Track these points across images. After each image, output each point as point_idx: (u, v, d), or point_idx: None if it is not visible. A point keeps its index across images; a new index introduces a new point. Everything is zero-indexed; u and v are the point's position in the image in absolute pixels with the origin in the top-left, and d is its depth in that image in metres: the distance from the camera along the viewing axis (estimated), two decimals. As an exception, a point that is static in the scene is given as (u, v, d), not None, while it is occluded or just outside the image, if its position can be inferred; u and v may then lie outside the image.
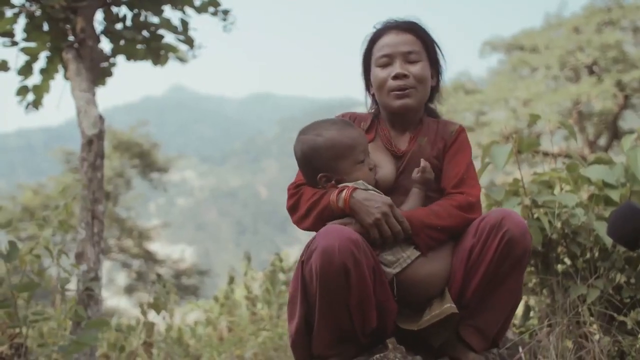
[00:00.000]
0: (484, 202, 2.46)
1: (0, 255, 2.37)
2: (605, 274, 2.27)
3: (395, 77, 1.82)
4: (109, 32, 3.95)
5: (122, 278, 20.10)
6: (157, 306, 3.26)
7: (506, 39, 16.85)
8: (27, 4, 3.72)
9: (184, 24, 4.08)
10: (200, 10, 4.08)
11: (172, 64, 4.36)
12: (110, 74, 4.12)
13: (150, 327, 3.29)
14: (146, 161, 19.15)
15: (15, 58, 3.82)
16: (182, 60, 4.34)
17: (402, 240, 1.70)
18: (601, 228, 2.15)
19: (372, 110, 2.01)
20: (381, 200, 1.68)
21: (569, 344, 2.16)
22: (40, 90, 3.94)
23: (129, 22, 3.99)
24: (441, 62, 1.93)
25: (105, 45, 4.96)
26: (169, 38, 4.23)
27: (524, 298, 2.50)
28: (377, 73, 1.87)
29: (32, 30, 3.77)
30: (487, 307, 1.72)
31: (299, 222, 1.80)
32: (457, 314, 1.66)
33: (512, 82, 15.73)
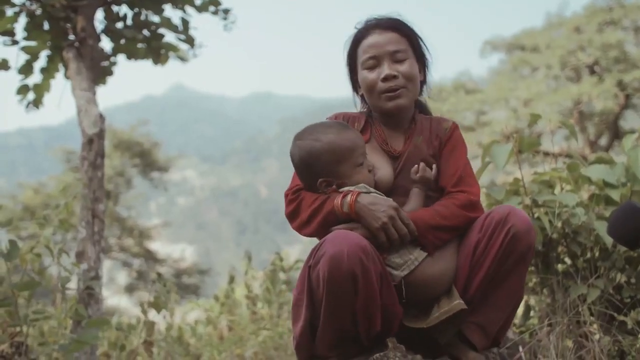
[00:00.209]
0: (484, 202, 2.46)
1: (1, 254, 2.37)
2: (606, 274, 2.27)
3: (385, 79, 1.81)
4: (109, 31, 3.96)
5: (122, 277, 20.13)
6: (157, 305, 3.26)
7: (507, 39, 16.84)
8: (28, 3, 3.72)
9: (185, 23, 4.09)
10: (200, 9, 4.09)
11: (172, 63, 4.38)
12: (110, 73, 4.13)
13: (150, 326, 3.29)
14: (147, 160, 19.17)
15: (16, 57, 3.83)
16: (182, 59, 4.34)
17: (408, 242, 1.70)
18: (602, 228, 2.15)
19: (364, 110, 1.99)
20: (387, 203, 1.67)
21: (569, 343, 2.16)
22: (40, 89, 3.94)
23: (129, 21, 4.00)
24: (427, 55, 1.91)
25: (106, 44, 4.97)
26: (169, 37, 4.24)
27: (525, 297, 2.50)
28: (366, 76, 1.85)
29: (32, 29, 3.77)
30: (489, 304, 1.72)
31: (300, 229, 1.77)
32: (466, 310, 1.67)
33: (513, 82, 15.72)
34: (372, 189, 1.74)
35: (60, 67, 3.92)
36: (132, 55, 4.06)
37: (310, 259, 1.62)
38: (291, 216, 1.79)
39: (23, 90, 3.91)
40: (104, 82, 4.11)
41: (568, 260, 2.41)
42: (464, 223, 1.74)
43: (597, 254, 2.32)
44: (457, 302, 1.67)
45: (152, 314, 3.36)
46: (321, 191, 1.75)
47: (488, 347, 1.79)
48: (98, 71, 3.83)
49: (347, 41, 1.92)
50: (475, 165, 2.04)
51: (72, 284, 3.13)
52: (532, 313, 2.53)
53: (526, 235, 1.66)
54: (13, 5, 3.69)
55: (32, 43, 3.82)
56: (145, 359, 3.30)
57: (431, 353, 1.77)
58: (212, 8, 4.14)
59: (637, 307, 2.24)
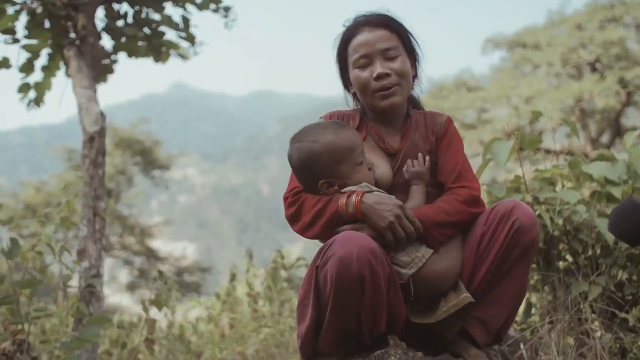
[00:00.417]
0: (485, 199, 2.46)
1: (3, 252, 2.37)
2: (607, 271, 2.27)
3: (378, 78, 1.79)
4: (110, 29, 3.96)
5: (124, 275, 20.15)
6: (158, 303, 3.26)
7: (508, 36, 16.80)
8: (29, 1, 3.72)
9: (185, 21, 4.09)
10: (201, 7, 4.08)
11: (173, 61, 4.37)
12: (111, 71, 4.13)
13: (152, 324, 3.29)
14: (148, 158, 19.17)
15: (17, 55, 3.83)
16: (183, 57, 4.34)
17: (414, 240, 1.69)
18: (603, 225, 2.15)
19: (358, 107, 1.98)
20: (392, 202, 1.67)
21: (571, 340, 2.16)
22: (41, 88, 3.94)
23: (130, 19, 4.00)
24: (417, 50, 1.90)
25: (107, 42, 4.96)
26: (170, 35, 4.23)
27: (526, 295, 2.50)
28: (358, 75, 1.83)
29: (33, 27, 3.77)
30: (492, 299, 1.72)
31: (303, 231, 1.75)
32: (473, 303, 1.67)
33: (514, 80, 15.70)
34: (374, 188, 1.73)
35: (61, 65, 3.92)
36: (132, 53, 4.06)
37: (318, 259, 1.61)
38: (292, 219, 1.77)
39: (24, 88, 3.92)
40: (104, 80, 4.11)
41: (569, 258, 2.41)
42: (467, 219, 1.75)
43: (598, 251, 2.32)
44: (464, 296, 1.67)
45: (154, 312, 3.36)
46: (322, 192, 1.74)
47: (490, 343, 1.78)
48: (99, 69, 3.83)
49: (336, 39, 1.91)
50: (477, 162, 2.04)
51: (74, 282, 3.13)
52: (533, 310, 2.53)
53: (530, 229, 1.66)
54: (14, 3, 3.69)
55: (33, 41, 3.82)
56: (146, 357, 3.30)
57: (432, 350, 1.77)
58: (212, 6, 4.14)
59: (639, 304, 2.24)
